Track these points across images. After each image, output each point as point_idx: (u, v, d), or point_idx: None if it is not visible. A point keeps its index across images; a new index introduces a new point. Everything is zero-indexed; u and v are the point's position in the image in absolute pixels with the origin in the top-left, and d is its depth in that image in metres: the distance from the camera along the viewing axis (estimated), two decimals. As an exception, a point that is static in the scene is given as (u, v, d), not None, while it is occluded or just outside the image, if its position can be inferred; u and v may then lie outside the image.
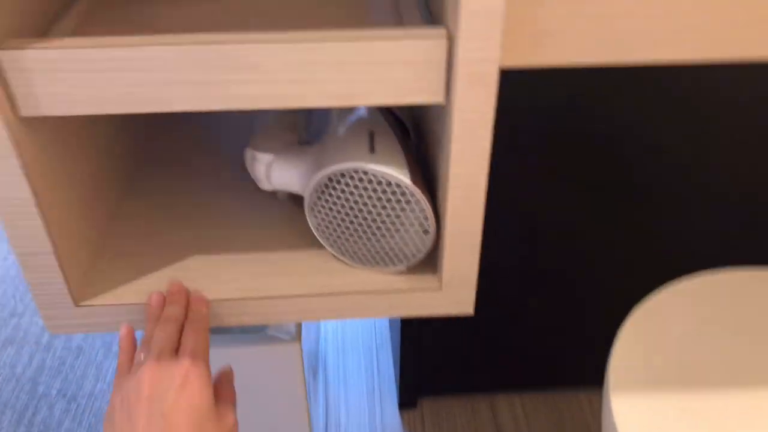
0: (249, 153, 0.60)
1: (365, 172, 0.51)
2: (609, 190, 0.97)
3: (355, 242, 0.55)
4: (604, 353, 1.19)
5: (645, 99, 0.88)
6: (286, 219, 0.63)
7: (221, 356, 0.74)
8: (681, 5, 0.47)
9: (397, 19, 0.49)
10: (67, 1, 0.53)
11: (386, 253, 0.55)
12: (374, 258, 0.56)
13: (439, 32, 0.42)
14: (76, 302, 0.54)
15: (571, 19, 0.45)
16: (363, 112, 0.60)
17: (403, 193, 0.51)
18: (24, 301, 1.47)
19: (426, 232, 0.53)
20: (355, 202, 0.52)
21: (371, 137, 0.55)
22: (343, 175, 0.52)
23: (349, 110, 0.60)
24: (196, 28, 0.50)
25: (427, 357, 1.18)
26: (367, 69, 0.43)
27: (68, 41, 0.42)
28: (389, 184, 0.51)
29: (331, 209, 0.54)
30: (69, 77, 0.43)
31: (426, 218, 0.52)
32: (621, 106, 0.89)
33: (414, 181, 0.51)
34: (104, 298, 0.55)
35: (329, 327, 1.43)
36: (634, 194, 0.97)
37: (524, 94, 0.86)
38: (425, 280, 0.57)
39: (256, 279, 0.57)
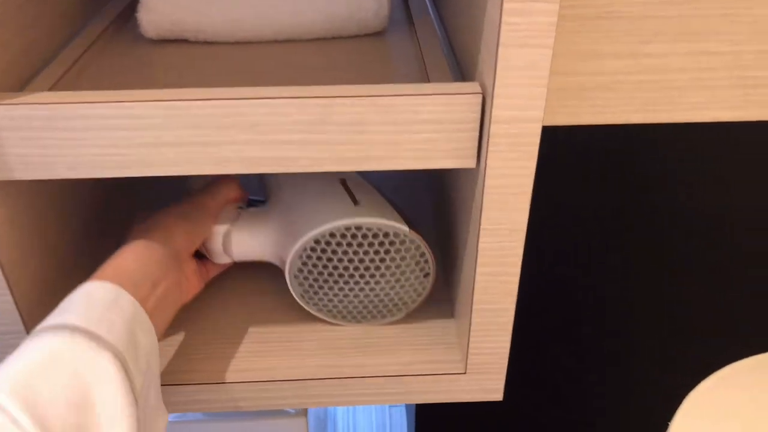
0: None
1: (358, 228, 0.47)
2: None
3: (350, 301, 0.50)
4: (629, 424, 1.11)
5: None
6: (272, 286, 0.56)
7: (222, 428, 0.69)
8: (741, 60, 0.41)
9: (423, 76, 0.43)
10: (56, 49, 0.48)
11: (384, 305, 0.51)
12: (370, 313, 0.51)
13: (473, 87, 0.36)
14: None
15: (624, 75, 0.39)
16: None
17: (402, 242, 0.48)
18: None
19: (426, 275, 0.50)
20: (350, 260, 0.48)
21: (345, 186, 0.50)
22: (333, 235, 0.47)
23: None
24: (197, 82, 0.44)
25: (446, 421, 1.10)
26: (389, 129, 0.37)
27: (42, 96, 0.37)
28: (386, 234, 0.47)
29: (321, 273, 0.49)
30: (42, 137, 0.37)
31: (426, 261, 0.49)
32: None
33: (409, 225, 0.47)
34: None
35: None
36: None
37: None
38: (448, 363, 0.50)
39: (252, 359, 0.50)
